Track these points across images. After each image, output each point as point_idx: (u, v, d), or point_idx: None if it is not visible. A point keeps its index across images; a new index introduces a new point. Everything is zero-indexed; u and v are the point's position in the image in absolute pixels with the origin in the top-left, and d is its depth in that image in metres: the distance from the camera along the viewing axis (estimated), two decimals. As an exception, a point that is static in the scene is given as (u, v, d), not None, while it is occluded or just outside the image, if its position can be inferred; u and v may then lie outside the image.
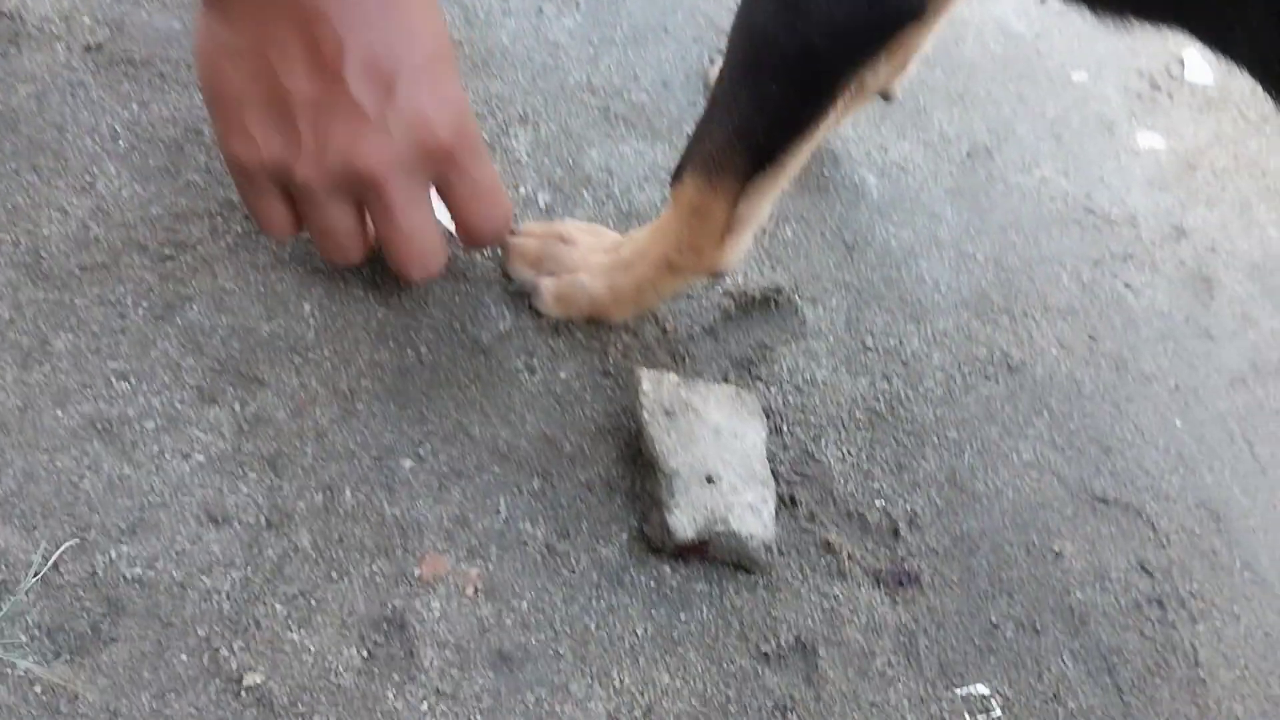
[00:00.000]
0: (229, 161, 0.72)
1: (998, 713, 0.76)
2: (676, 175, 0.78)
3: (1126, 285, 1.04)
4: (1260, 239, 1.13)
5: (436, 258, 0.76)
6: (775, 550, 0.76)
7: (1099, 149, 1.15)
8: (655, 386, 0.79)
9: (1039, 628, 0.80)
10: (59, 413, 0.71)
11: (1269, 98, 0.60)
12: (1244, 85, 1.27)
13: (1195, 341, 1.02)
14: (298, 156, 0.68)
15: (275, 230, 0.75)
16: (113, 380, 0.74)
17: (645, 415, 0.78)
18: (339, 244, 0.75)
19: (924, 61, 0.97)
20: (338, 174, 0.69)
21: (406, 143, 0.68)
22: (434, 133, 0.69)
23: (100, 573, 0.66)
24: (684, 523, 0.74)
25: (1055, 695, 0.78)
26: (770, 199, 0.77)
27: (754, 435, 0.80)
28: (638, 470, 0.80)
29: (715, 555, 0.76)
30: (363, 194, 0.71)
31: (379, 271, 0.83)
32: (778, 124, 0.71)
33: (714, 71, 1.04)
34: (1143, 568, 0.86)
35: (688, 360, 0.87)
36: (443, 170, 0.72)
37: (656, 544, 0.76)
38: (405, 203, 0.72)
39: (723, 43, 1.10)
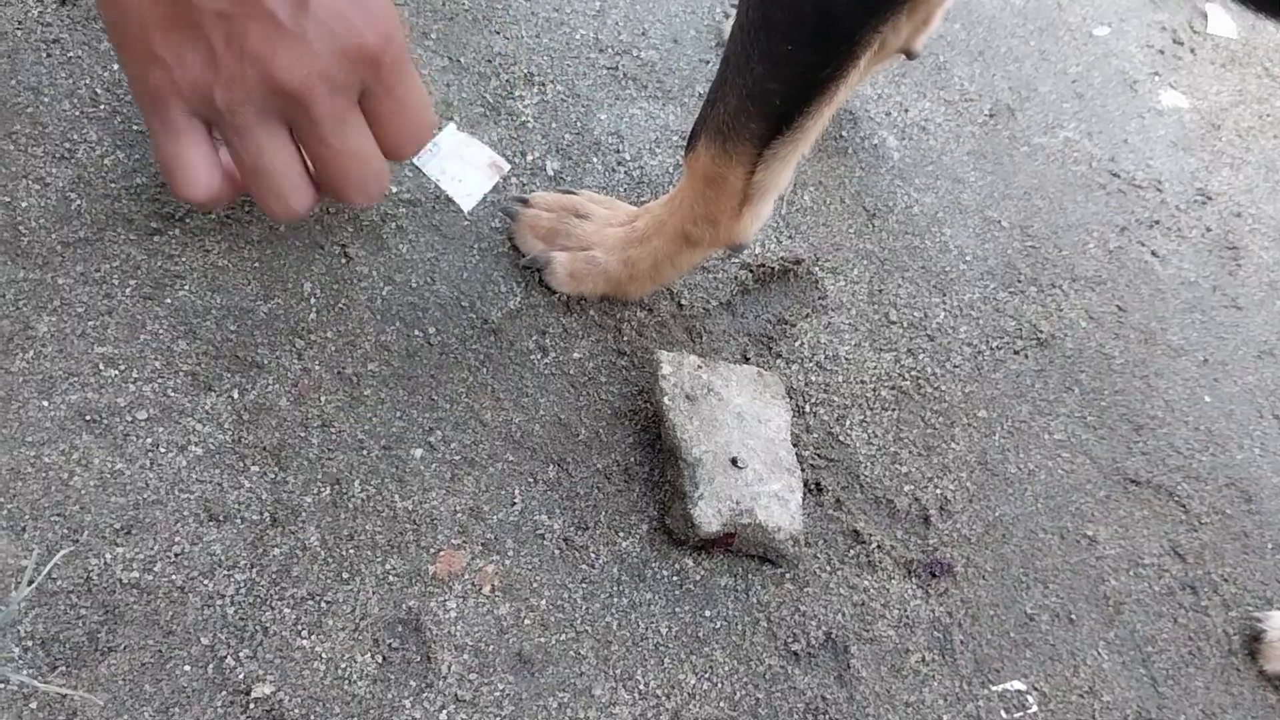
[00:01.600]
0: (140, 96, 0.64)
1: (1034, 709, 0.73)
2: (690, 144, 0.73)
3: (1153, 253, 1.00)
4: (1286, 202, 1.09)
5: (379, 180, 0.70)
6: (802, 542, 0.73)
7: (1122, 108, 1.11)
8: (675, 369, 0.75)
9: (1074, 618, 0.77)
10: (45, 403, 0.67)
11: None
12: (1269, 39, 1.22)
13: (1223, 312, 0.98)
14: (215, 78, 0.62)
15: (197, 186, 0.67)
16: (101, 367, 0.69)
17: (666, 401, 0.74)
18: (278, 186, 0.67)
19: (943, 15, 0.92)
20: (260, 91, 0.63)
21: (328, 51, 0.63)
22: (357, 39, 0.63)
23: (95, 577, 0.62)
24: (708, 515, 0.70)
25: (1091, 689, 0.75)
26: (791, 165, 0.73)
27: (778, 419, 0.76)
28: (657, 457, 0.76)
29: (740, 548, 0.73)
30: (290, 114, 0.65)
31: (382, 247, 0.78)
32: (794, 86, 0.66)
33: (728, 26, 0.99)
34: (1175, 552, 0.83)
35: (704, 337, 0.82)
36: (368, 81, 0.65)
37: (679, 536, 0.72)
38: (335, 118, 0.65)
39: (735, -4, 1.04)
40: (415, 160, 0.82)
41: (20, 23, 0.81)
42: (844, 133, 0.98)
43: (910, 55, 0.93)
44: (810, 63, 0.64)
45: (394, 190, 0.81)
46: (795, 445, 0.78)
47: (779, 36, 0.64)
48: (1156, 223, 1.02)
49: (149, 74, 0.62)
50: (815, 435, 0.80)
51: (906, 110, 1.02)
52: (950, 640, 0.73)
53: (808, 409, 0.81)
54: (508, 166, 0.84)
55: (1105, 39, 1.17)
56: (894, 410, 0.83)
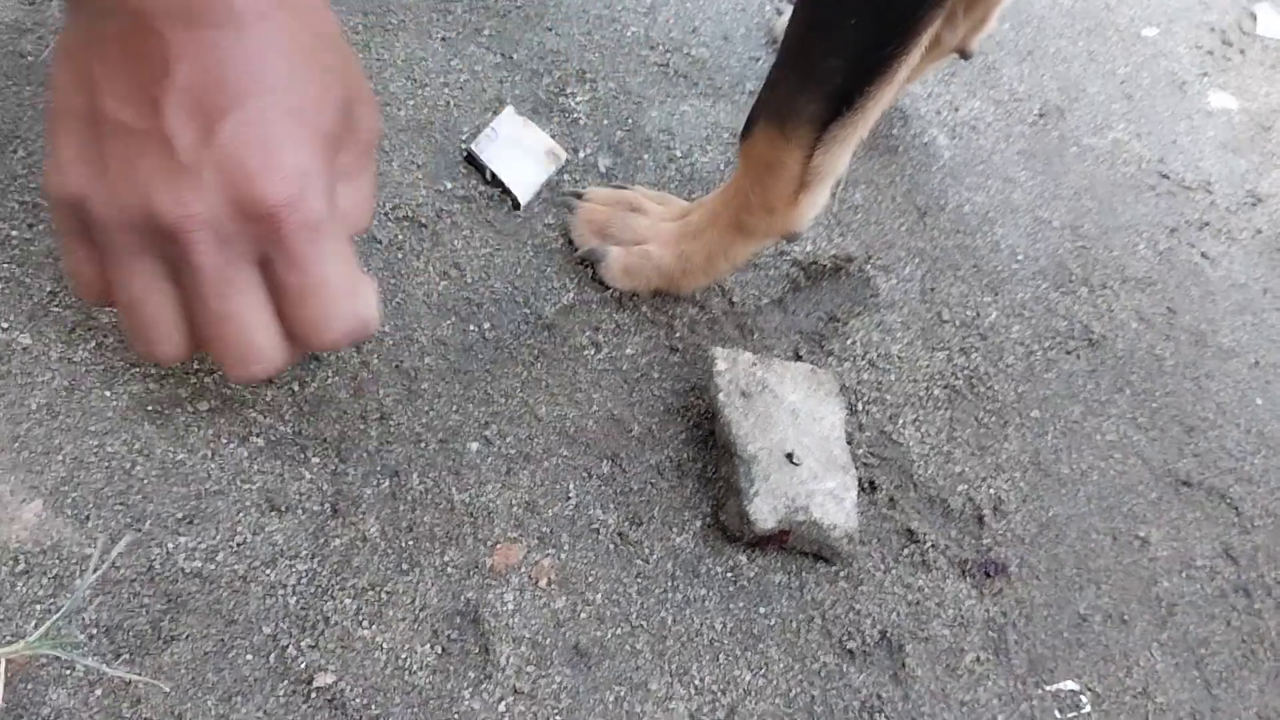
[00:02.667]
0: (42, 187, 0.60)
1: (1088, 709, 0.73)
2: (746, 130, 0.73)
3: (1203, 255, 0.99)
4: (1336, 205, 1.09)
5: (263, 357, 0.59)
6: (856, 539, 0.72)
7: (1171, 109, 1.10)
8: (730, 365, 0.75)
9: (1127, 619, 0.77)
10: (107, 393, 0.67)
11: None
12: (1318, 42, 1.22)
13: (1274, 314, 0.98)
14: (94, 192, 0.55)
15: (81, 286, 0.60)
16: (163, 357, 0.69)
17: (721, 397, 0.74)
18: (144, 323, 0.59)
19: (1000, 16, 0.92)
20: (135, 217, 0.54)
21: (219, 196, 0.53)
22: (255, 191, 0.53)
23: (158, 566, 0.62)
24: (764, 512, 0.70)
25: (1144, 690, 0.74)
26: (849, 149, 0.71)
27: (832, 417, 0.76)
28: (710, 453, 0.76)
29: (795, 545, 0.73)
30: (169, 255, 0.56)
31: (437, 242, 0.79)
32: (856, 64, 0.65)
33: (780, 24, 0.99)
34: (1228, 554, 0.82)
35: (756, 334, 0.82)
36: (267, 246, 0.55)
37: (734, 533, 0.72)
38: (217, 274, 0.55)
39: (785, -7, 1.04)
40: (471, 145, 0.83)
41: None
42: (895, 131, 0.98)
43: (965, 55, 0.92)
44: (873, 37, 0.63)
45: (448, 186, 0.81)
46: (849, 443, 0.78)
47: (841, 11, 0.63)
48: (1206, 224, 1.02)
49: (49, 170, 0.57)
50: (869, 434, 0.80)
51: (957, 109, 1.02)
52: (1005, 640, 0.73)
53: (860, 407, 0.81)
54: (565, 156, 0.85)
55: (1154, 39, 1.16)
56: (947, 409, 0.82)
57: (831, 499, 0.71)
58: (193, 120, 0.52)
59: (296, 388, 0.70)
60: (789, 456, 0.72)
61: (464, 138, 0.84)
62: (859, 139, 0.71)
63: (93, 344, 0.68)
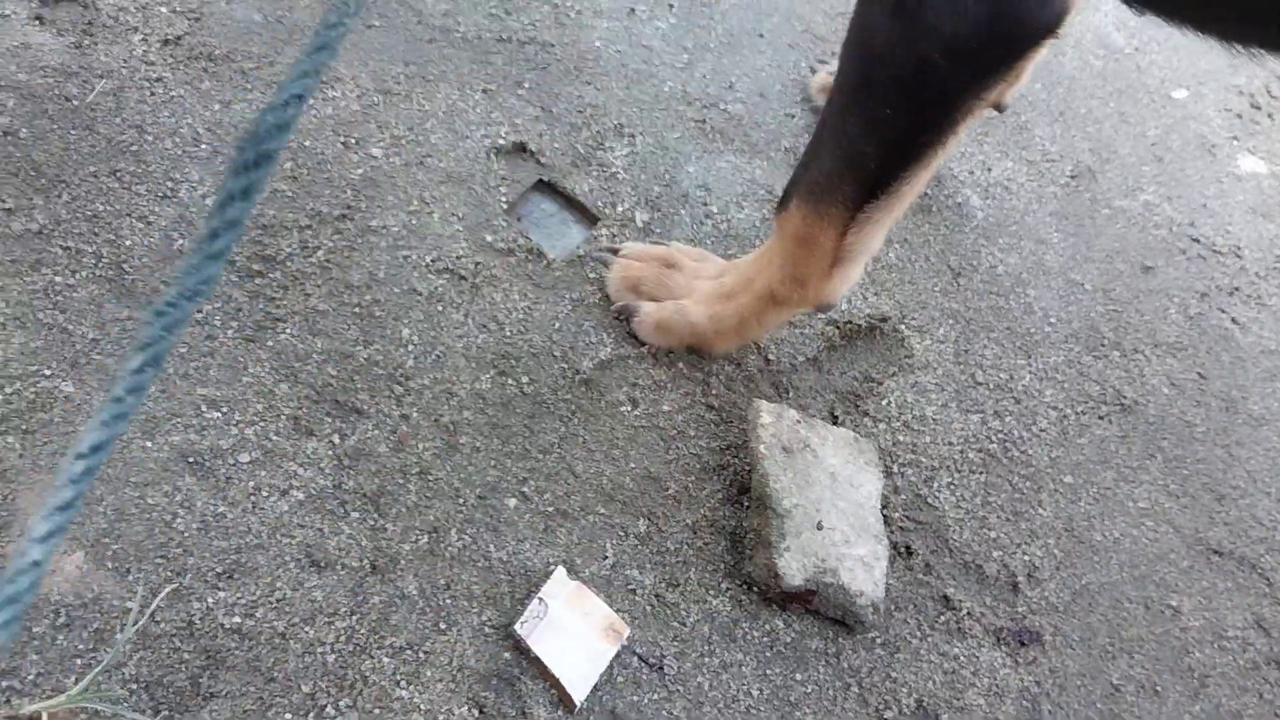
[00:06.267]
0: None
1: (1123, 783, 0.72)
2: (782, 203, 0.73)
3: (1234, 320, 0.99)
4: (1364, 271, 1.09)
5: None
6: (882, 610, 0.72)
7: (1201, 173, 1.11)
8: (775, 420, 0.75)
9: (1159, 690, 0.77)
10: (148, 444, 0.67)
11: None
12: (1345, 107, 1.22)
13: (1304, 381, 0.98)
14: None
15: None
16: (203, 408, 0.69)
17: (762, 449, 0.74)
18: None
19: (1032, 69, 0.92)
20: None
21: None
22: None
23: (197, 621, 0.62)
24: (793, 568, 0.70)
25: (1178, 764, 0.74)
26: (883, 229, 0.71)
27: (870, 486, 0.76)
28: (745, 511, 0.76)
29: (819, 607, 0.72)
30: None
31: (476, 295, 0.79)
32: (891, 150, 0.64)
33: (814, 81, 1.00)
34: (1260, 625, 0.82)
35: (791, 393, 0.82)
36: None
37: (759, 585, 0.72)
38: None
39: (821, 50, 1.05)
40: (516, 626, 0.66)
41: (126, 60, 0.83)
42: (928, 191, 0.98)
43: (1000, 109, 0.93)
44: (908, 127, 0.63)
45: (488, 239, 0.81)
46: (884, 506, 0.78)
47: (877, 98, 0.62)
48: (1236, 289, 1.02)
49: None
50: (904, 496, 0.80)
51: (990, 169, 1.02)
52: (1039, 710, 0.73)
53: (895, 469, 0.81)
54: (628, 631, 0.69)
55: (1184, 102, 1.17)
56: (982, 473, 0.82)
57: (861, 565, 0.71)
58: None
59: (336, 440, 0.70)
60: (818, 526, 0.71)
61: (507, 615, 0.68)
62: (894, 219, 0.70)
63: (134, 393, 0.68)
